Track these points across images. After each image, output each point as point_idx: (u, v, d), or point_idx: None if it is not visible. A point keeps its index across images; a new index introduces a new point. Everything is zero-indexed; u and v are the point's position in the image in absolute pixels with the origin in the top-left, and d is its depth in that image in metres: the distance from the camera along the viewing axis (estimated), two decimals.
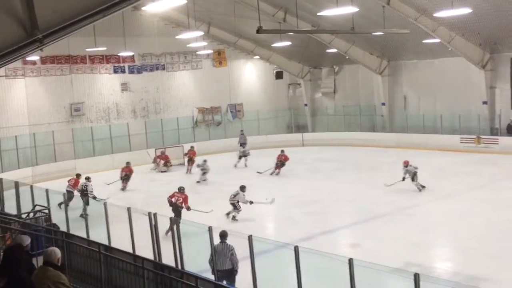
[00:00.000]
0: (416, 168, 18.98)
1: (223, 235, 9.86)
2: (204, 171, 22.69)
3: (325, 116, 34.89)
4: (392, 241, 13.51)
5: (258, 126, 33.89)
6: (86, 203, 16.02)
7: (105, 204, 11.07)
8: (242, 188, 16.61)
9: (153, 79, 31.14)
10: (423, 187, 18.85)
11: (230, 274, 9.74)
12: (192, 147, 26.75)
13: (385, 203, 17.42)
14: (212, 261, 9.52)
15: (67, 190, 17.71)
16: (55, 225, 11.93)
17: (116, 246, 10.51)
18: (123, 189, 22.11)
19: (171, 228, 10.79)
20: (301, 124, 35.94)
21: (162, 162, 26.80)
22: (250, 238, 7.80)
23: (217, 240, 9.72)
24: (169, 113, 31.68)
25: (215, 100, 33.42)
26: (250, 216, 16.90)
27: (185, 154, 26.67)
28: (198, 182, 22.35)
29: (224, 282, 9.37)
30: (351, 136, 31.19)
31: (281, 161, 23.57)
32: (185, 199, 15.59)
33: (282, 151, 24.03)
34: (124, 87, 30.18)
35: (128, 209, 10.52)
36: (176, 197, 15.63)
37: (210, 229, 8.92)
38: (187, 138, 31.25)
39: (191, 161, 25.78)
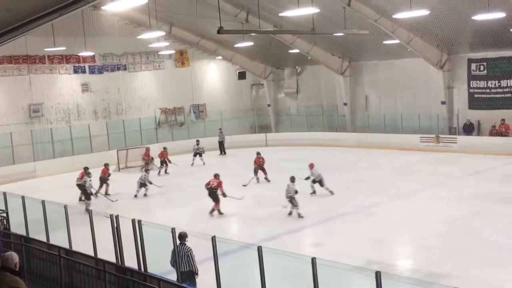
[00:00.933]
0: (320, 175, 18.88)
1: (182, 236, 9.76)
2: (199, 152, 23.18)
3: (288, 116, 35.08)
4: (354, 240, 13.65)
5: (222, 127, 33.86)
6: (87, 198, 18.86)
7: (65, 207, 10.85)
8: (292, 179, 16.57)
9: (115, 80, 30.74)
10: (332, 193, 18.72)
11: (190, 275, 9.69)
12: (164, 148, 26.40)
13: (347, 203, 17.60)
14: (175, 263, 9.45)
15: (77, 184, 19.77)
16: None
17: (78, 249, 10.33)
18: (105, 193, 21.11)
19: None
20: (264, 125, 36.03)
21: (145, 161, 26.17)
22: (213, 239, 7.75)
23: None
24: (131, 114, 31.34)
25: (178, 101, 33.23)
26: (213, 216, 16.86)
27: (159, 155, 26.08)
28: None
29: (184, 285, 9.28)
30: (314, 136, 31.41)
31: (260, 165, 22.33)
32: (219, 184, 17.00)
33: (258, 153, 22.80)
34: (85, 87, 29.70)
35: (90, 211, 10.34)
36: (212, 183, 17.07)
37: (173, 230, 8.83)
38: (150, 139, 30.98)
39: (165, 162, 25.55)
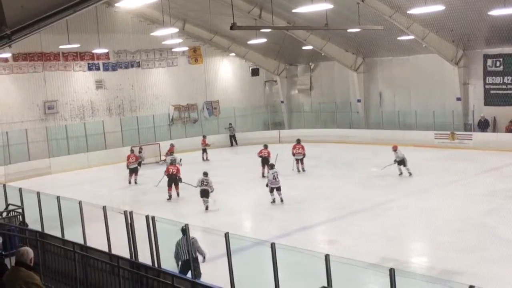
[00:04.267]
0: (403, 155, 20.56)
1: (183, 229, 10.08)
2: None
3: (301, 113, 35.01)
4: (368, 237, 13.61)
5: (235, 123, 33.85)
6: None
7: (80, 203, 10.93)
8: (271, 167, 17.92)
9: (128, 77, 30.86)
10: (410, 174, 20.37)
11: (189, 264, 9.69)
12: (171, 144, 26.53)
13: (361, 199, 17.54)
14: (178, 255, 10.12)
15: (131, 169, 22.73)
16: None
17: (92, 245, 10.42)
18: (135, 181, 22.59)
19: None
20: (277, 121, 36.01)
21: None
22: (226, 235, 7.76)
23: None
24: (144, 110, 31.46)
25: (191, 98, 33.29)
26: (227, 212, 16.90)
27: (167, 152, 26.26)
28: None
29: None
30: (328, 133, 31.31)
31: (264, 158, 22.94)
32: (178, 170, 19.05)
33: (265, 146, 23.24)
34: (99, 84, 29.86)
35: (104, 208, 10.41)
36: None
37: (186, 227, 8.87)
38: (163, 136, 31.09)
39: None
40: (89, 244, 10.56)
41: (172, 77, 32.60)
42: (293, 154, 22.82)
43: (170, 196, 19.13)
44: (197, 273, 9.71)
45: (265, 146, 23.16)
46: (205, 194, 17.32)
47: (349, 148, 28.43)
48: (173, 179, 19.17)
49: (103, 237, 10.11)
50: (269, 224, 15.56)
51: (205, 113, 33.98)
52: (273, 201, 17.64)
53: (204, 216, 16.52)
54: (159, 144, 28.50)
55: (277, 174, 17.65)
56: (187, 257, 9.85)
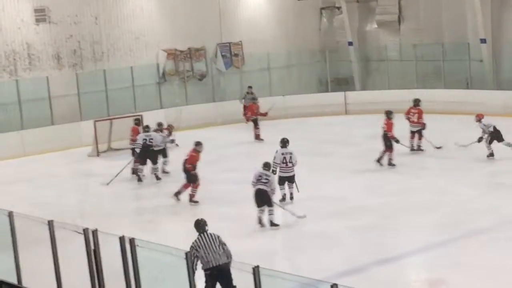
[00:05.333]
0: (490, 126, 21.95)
1: (202, 225, 12.01)
2: None
3: (383, 63, 34.85)
4: (497, 276, 13.50)
5: (269, 82, 33.80)
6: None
7: (10, 215, 11.03)
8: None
9: (90, 2, 31.05)
10: (491, 156, 22.04)
11: (228, 269, 11.57)
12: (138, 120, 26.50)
13: (484, 210, 17.39)
14: (196, 263, 11.36)
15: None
16: None
17: (30, 287, 10.54)
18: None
19: None
20: (342, 77, 36.08)
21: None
22: (256, 270, 7.78)
23: None
24: (116, 60, 31.70)
25: (195, 38, 33.45)
26: (265, 231, 17.08)
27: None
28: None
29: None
30: (429, 97, 30.85)
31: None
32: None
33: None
34: (40, 15, 29.95)
35: (50, 223, 10.50)
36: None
37: (187, 255, 8.96)
38: (148, 102, 31.38)
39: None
40: (25, 284, 10.65)
41: (163, 4, 32.78)
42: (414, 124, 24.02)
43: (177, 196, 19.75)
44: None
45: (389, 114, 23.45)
46: (261, 198, 17.32)
47: (467, 121, 28.08)
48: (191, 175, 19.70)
49: (49, 271, 10.21)
50: (329, 252, 15.54)
51: (219, 64, 34.18)
52: (283, 198, 18.65)
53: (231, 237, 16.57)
54: (142, 116, 28.50)
55: (290, 157, 18.79)
56: (226, 260, 11.61)
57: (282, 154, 18.82)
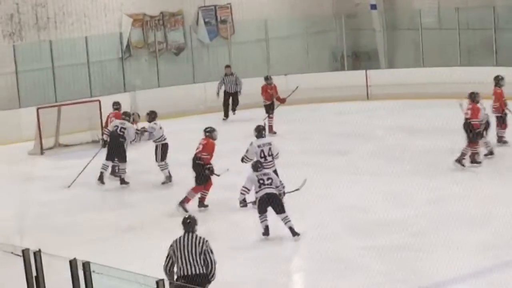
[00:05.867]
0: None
1: (189, 223, 12.73)
2: None
3: (417, 33, 34.92)
4: None
5: (267, 57, 33.92)
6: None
7: None
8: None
9: None
10: (491, 154, 22.90)
11: (201, 281, 12.17)
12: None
13: None
14: (171, 265, 12.26)
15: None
16: None
17: None
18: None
19: None
20: (363, 51, 36.31)
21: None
22: None
23: None
24: (67, 28, 31.83)
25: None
26: (263, 252, 17.16)
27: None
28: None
29: None
30: (476, 77, 30.98)
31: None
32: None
33: (268, 78, 26.28)
34: None
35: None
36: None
37: (158, 284, 8.95)
38: (108, 84, 31.55)
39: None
40: None
41: None
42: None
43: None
44: None
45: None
46: (273, 203, 17.86)
47: None
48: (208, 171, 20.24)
49: None
50: (345, 280, 15.53)
51: (201, 33, 34.43)
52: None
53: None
54: (100, 101, 28.50)
55: (269, 149, 19.84)
56: (200, 271, 12.31)
57: (259, 146, 19.59)
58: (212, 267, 12.53)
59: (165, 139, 22.89)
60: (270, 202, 17.75)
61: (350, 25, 36.01)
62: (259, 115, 28.07)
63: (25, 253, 10.07)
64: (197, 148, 20.55)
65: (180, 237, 12.61)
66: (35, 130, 27.16)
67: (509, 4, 32.65)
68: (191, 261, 12.33)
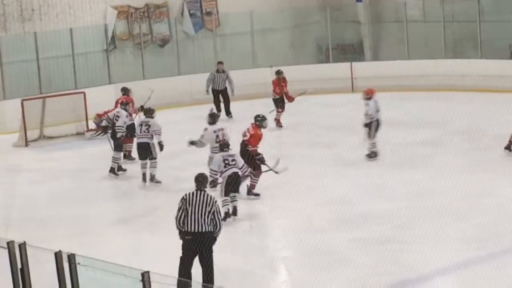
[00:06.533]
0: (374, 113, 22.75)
1: (201, 181, 14.06)
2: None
3: (402, 26, 34.99)
4: None
5: (252, 49, 33.89)
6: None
7: None
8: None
9: None
10: (373, 155, 22.95)
11: (207, 241, 13.61)
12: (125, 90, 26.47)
13: None
14: (184, 217, 13.51)
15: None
16: None
17: None
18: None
19: None
20: (348, 43, 36.37)
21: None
22: None
23: None
24: (51, 19, 31.74)
25: None
26: (250, 245, 17.30)
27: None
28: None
29: None
30: (461, 69, 31.08)
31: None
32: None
33: (279, 72, 26.86)
34: None
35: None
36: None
37: (144, 277, 8.99)
38: (93, 76, 31.54)
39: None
40: None
41: None
42: None
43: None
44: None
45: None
46: (234, 183, 18.56)
47: (508, 101, 28.17)
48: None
49: None
50: (331, 272, 15.57)
51: (186, 25, 34.41)
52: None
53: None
54: (84, 93, 28.50)
55: (223, 134, 20.55)
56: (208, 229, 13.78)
57: (214, 131, 20.42)
58: (219, 227, 13.88)
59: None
60: (235, 180, 18.64)
61: (335, 17, 35.94)
62: (247, 108, 28.11)
63: (10, 245, 10.06)
64: (244, 136, 20.59)
65: (192, 193, 13.79)
66: (19, 122, 27.13)
67: None
68: (200, 219, 13.52)
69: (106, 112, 24.39)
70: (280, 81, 28.52)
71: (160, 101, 29.85)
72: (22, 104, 27.16)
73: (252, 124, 20.70)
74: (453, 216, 17.95)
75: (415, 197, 19.55)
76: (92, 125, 27.76)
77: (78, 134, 27.64)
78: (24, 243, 9.99)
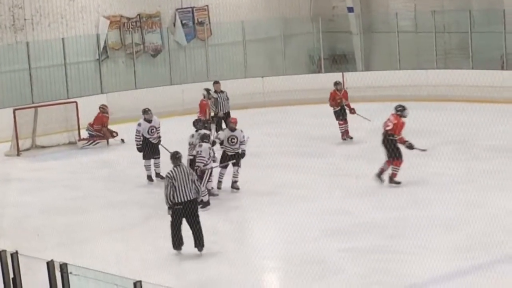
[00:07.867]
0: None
1: (180, 156, 16.66)
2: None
3: (392, 35, 35.02)
4: None
5: (244, 59, 33.87)
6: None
7: None
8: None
9: None
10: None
11: (194, 207, 16.07)
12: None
13: None
14: (172, 193, 15.81)
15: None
16: None
17: None
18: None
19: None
20: (340, 54, 36.40)
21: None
22: None
23: None
24: (44, 29, 31.73)
25: (147, 1, 33.69)
26: (240, 253, 17.19)
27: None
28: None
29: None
30: (452, 80, 31.12)
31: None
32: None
33: (338, 84, 26.77)
34: None
35: None
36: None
37: (136, 285, 9.00)
38: (85, 85, 31.47)
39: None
40: None
41: None
42: None
43: None
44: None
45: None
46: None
47: (501, 112, 28.23)
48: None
49: None
50: (323, 282, 15.58)
51: (178, 35, 34.37)
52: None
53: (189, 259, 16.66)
54: (76, 103, 28.52)
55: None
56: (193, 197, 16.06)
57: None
58: (199, 193, 16.66)
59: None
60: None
61: (327, 27, 35.99)
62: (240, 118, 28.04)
63: (2, 254, 10.01)
64: (387, 126, 21.48)
65: (174, 169, 16.23)
66: (11, 131, 27.02)
67: (485, 8, 32.75)
68: (187, 189, 15.96)
69: (98, 121, 24.32)
70: (336, 93, 28.06)
71: (152, 111, 29.88)
72: (14, 113, 27.11)
73: (392, 114, 21.54)
74: (445, 226, 17.97)
75: (406, 207, 19.60)
76: (84, 134, 27.74)
77: (70, 143, 27.58)
78: (16, 252, 9.96)
